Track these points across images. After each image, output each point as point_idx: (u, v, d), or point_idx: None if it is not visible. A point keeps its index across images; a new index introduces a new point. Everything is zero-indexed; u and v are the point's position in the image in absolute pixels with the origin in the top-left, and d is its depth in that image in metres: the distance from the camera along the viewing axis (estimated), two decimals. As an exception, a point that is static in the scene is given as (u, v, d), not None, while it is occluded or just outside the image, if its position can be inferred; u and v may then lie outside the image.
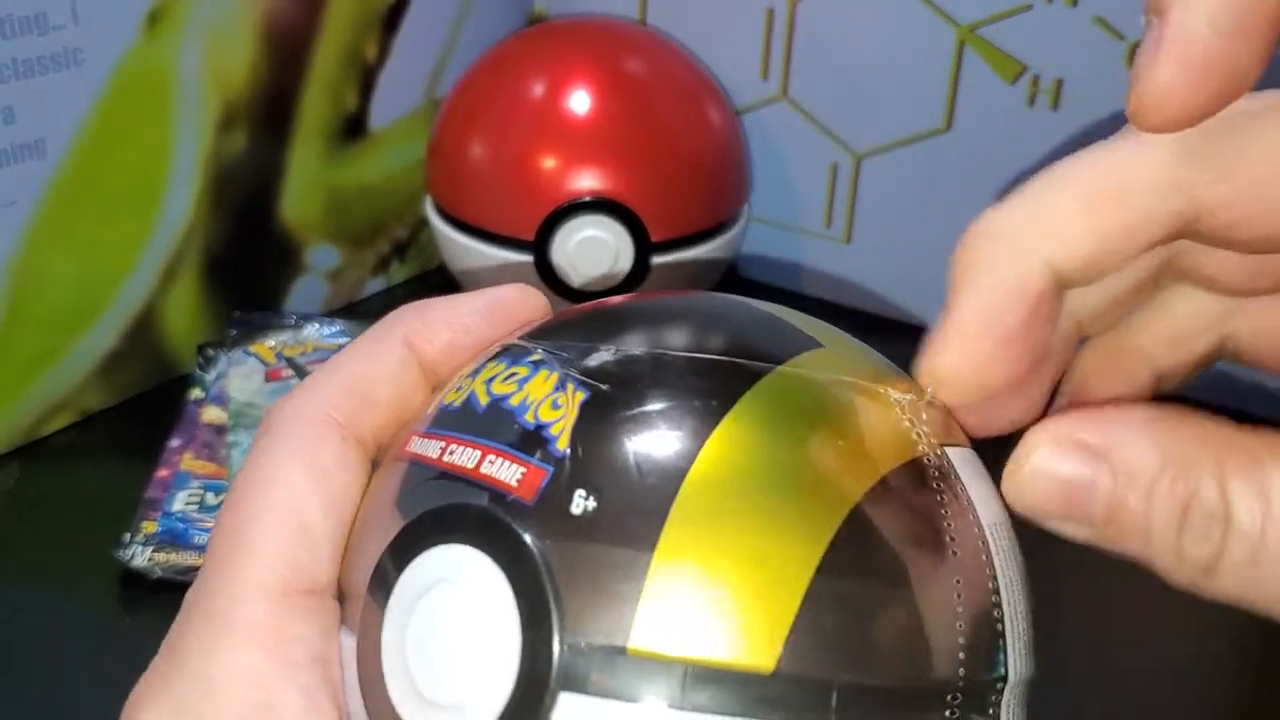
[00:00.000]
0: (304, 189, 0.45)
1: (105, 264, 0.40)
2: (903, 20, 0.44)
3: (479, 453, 0.16)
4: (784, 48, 0.47)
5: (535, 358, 0.17)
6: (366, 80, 0.46)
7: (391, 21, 0.46)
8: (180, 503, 0.35)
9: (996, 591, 0.17)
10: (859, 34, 0.45)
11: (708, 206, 0.45)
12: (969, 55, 0.44)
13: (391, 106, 0.47)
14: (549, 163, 0.43)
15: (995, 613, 0.17)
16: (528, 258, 0.43)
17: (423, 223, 0.49)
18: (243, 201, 0.43)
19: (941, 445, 0.17)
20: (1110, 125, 0.46)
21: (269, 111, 0.43)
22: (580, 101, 0.43)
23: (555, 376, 0.17)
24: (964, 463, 0.18)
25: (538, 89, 0.44)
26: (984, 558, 0.17)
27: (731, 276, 0.49)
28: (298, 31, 0.43)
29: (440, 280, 0.49)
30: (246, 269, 0.45)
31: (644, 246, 0.43)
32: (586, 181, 0.42)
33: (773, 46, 0.47)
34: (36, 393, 0.39)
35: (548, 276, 0.43)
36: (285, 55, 0.43)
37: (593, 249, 0.43)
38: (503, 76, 0.45)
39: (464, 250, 0.45)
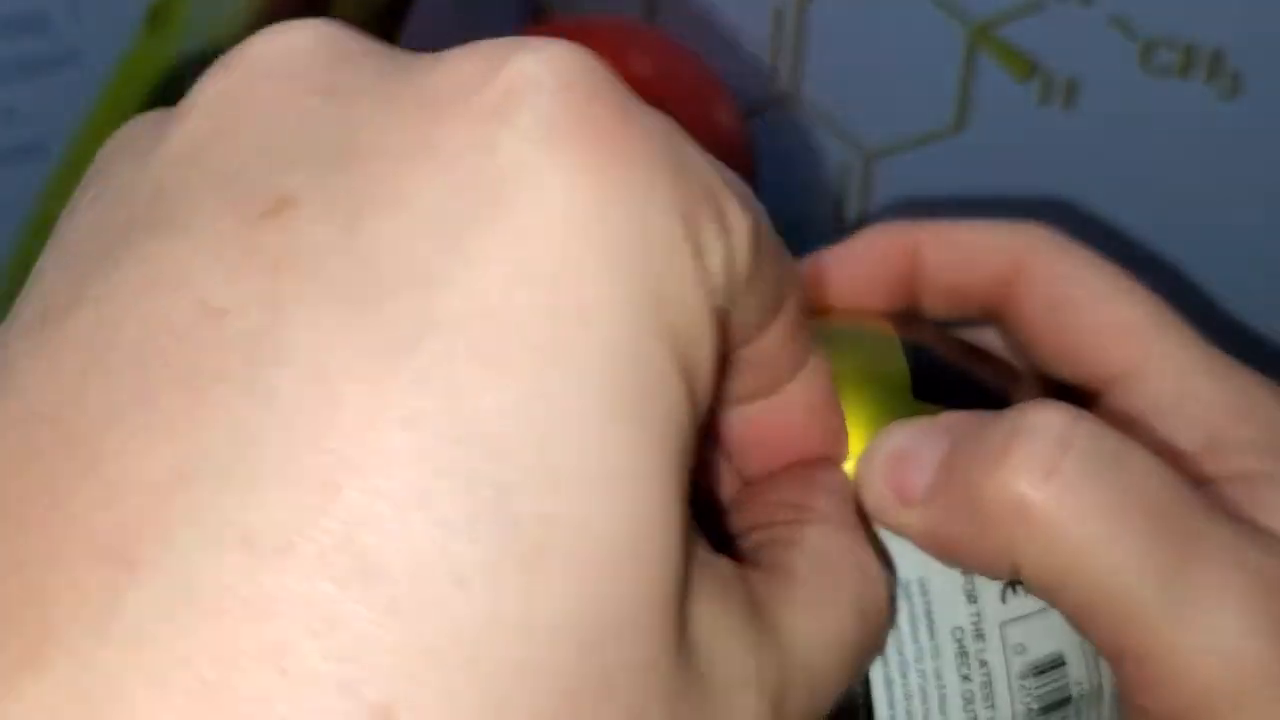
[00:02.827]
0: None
1: None
2: (913, 20, 0.44)
3: None
4: (793, 47, 0.47)
5: None
6: (370, 79, 0.46)
7: (394, 20, 0.46)
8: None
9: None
10: (869, 33, 0.45)
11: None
12: (981, 54, 0.43)
13: (395, 106, 0.47)
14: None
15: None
16: (533, 259, 0.43)
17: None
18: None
19: None
20: (1124, 125, 0.46)
21: (271, 111, 0.43)
22: (586, 101, 0.43)
23: None
24: None
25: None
26: None
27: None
28: (300, 30, 0.43)
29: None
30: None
31: (650, 248, 0.42)
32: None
33: (782, 46, 0.47)
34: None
35: (553, 278, 0.43)
36: (287, 54, 0.43)
37: (599, 251, 0.42)
38: (507, 76, 0.44)
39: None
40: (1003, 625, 0.18)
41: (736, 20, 0.47)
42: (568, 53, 0.13)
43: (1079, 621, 0.17)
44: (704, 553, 0.14)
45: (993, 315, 0.23)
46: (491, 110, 0.12)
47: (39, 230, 0.37)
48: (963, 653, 0.18)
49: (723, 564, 0.14)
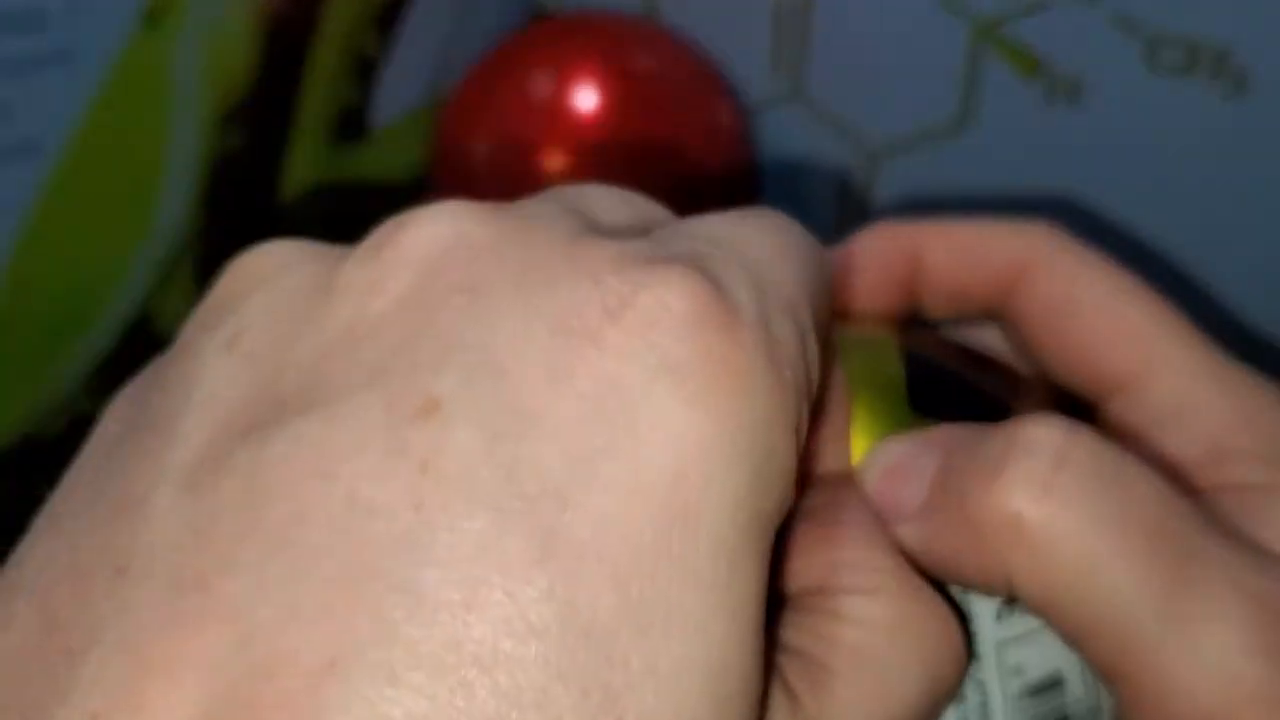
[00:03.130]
0: (304, 188, 0.45)
1: (100, 265, 0.40)
2: (918, 16, 0.44)
3: None
4: (796, 45, 0.47)
5: None
6: (367, 77, 0.46)
7: (393, 17, 0.46)
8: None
9: None
10: (873, 30, 0.45)
11: (718, 206, 0.44)
12: (985, 52, 0.43)
13: (393, 104, 0.47)
14: (555, 162, 0.42)
15: None
16: (533, 259, 0.42)
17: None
18: (241, 199, 0.43)
19: None
20: (1128, 123, 0.45)
21: (268, 109, 0.43)
22: (587, 99, 0.42)
23: None
24: None
25: (544, 86, 0.43)
26: None
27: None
28: (297, 27, 0.43)
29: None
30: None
31: (652, 247, 0.42)
32: (593, 181, 0.42)
33: (785, 43, 0.47)
34: (31, 397, 0.39)
35: (553, 278, 0.42)
36: (284, 52, 0.43)
37: (599, 250, 0.42)
38: (508, 73, 0.44)
39: (468, 251, 0.44)
40: (999, 646, 0.18)
41: (738, 16, 0.47)
42: (689, 282, 0.14)
43: (1075, 640, 0.17)
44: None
45: (996, 316, 0.23)
46: (622, 349, 0.14)
47: (34, 230, 0.37)
48: (976, 657, 0.17)
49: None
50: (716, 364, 0.14)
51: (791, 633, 0.16)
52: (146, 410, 0.15)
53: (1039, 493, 0.16)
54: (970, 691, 0.17)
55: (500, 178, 0.43)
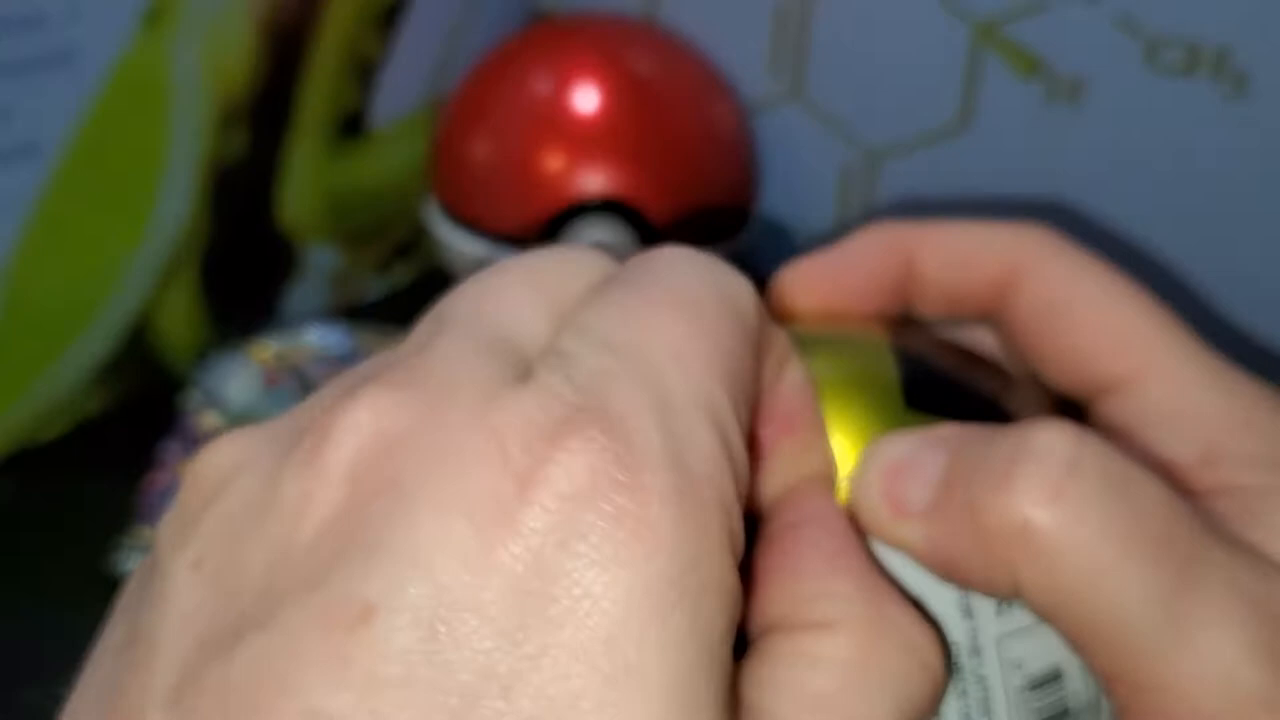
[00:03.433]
0: (303, 189, 0.45)
1: (100, 266, 0.40)
2: (918, 17, 0.44)
3: None
4: (795, 45, 0.47)
5: None
6: (367, 78, 0.46)
7: (393, 18, 0.46)
8: (177, 512, 0.35)
9: None
10: (873, 31, 0.45)
11: (717, 207, 0.44)
12: (986, 52, 0.43)
13: (393, 105, 0.47)
14: (555, 163, 0.42)
15: None
16: (533, 260, 0.42)
17: (425, 223, 0.49)
18: (241, 202, 0.43)
19: None
20: (1129, 123, 0.45)
21: (268, 110, 0.43)
22: (587, 100, 0.42)
23: None
24: None
25: (543, 87, 0.43)
26: None
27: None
28: (297, 29, 0.43)
29: (443, 283, 0.49)
30: (245, 271, 0.44)
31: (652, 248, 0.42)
32: (593, 182, 0.42)
33: (784, 44, 0.47)
34: (31, 399, 0.39)
35: (553, 279, 0.42)
36: (284, 53, 0.43)
37: (599, 251, 0.42)
38: (508, 74, 0.44)
39: (468, 252, 0.44)
40: (999, 640, 0.17)
41: (738, 18, 0.47)
42: (590, 451, 0.15)
43: (1076, 643, 0.17)
44: None
45: (988, 318, 0.22)
46: (536, 528, 0.14)
47: (35, 230, 0.37)
48: (958, 669, 0.17)
49: None
50: (628, 525, 0.14)
51: (755, 691, 0.16)
52: (137, 624, 0.16)
53: (1050, 499, 0.16)
54: (972, 687, 0.17)
55: (499, 178, 0.43)
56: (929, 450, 0.18)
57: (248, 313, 0.44)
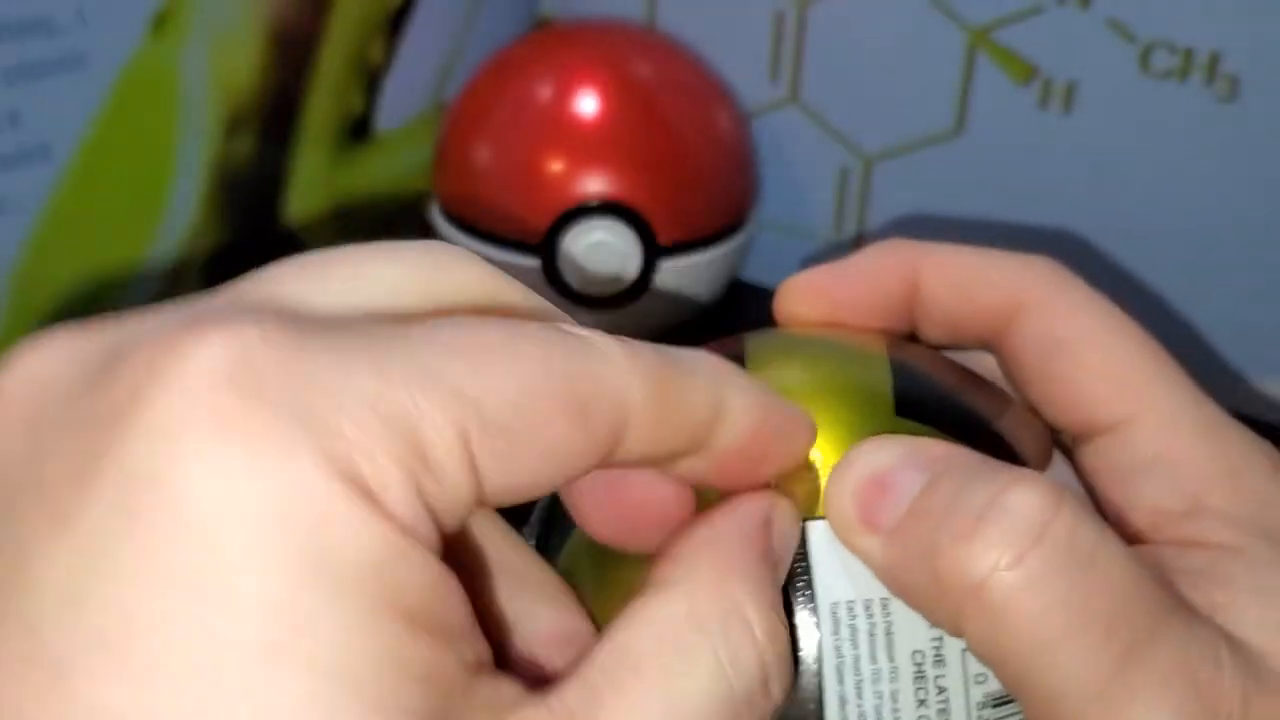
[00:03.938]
0: (310, 192, 0.45)
1: (109, 268, 0.40)
2: (913, 23, 0.44)
3: None
4: (793, 51, 0.47)
5: None
6: (372, 83, 0.46)
7: (397, 24, 0.46)
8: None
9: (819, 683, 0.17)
10: (869, 37, 0.45)
11: (717, 210, 0.45)
12: (980, 58, 0.43)
13: (398, 110, 0.47)
14: (556, 166, 0.42)
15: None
16: (535, 262, 0.43)
17: (429, 226, 0.49)
18: (248, 205, 0.43)
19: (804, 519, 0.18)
20: (1123, 128, 0.45)
21: (274, 115, 0.43)
22: (588, 105, 0.43)
23: None
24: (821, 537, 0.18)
25: (545, 92, 0.43)
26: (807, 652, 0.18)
27: (740, 281, 0.49)
28: (303, 34, 0.43)
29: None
30: (251, 272, 0.44)
31: (652, 251, 0.43)
32: (594, 185, 0.42)
33: (782, 50, 0.47)
34: (40, 398, 0.39)
35: (555, 280, 0.43)
36: (291, 58, 0.43)
37: (601, 253, 0.42)
38: (510, 79, 0.44)
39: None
40: (964, 652, 0.17)
41: (737, 25, 0.47)
42: (194, 345, 0.14)
43: (1015, 694, 0.17)
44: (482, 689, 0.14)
45: (989, 348, 0.22)
46: (130, 422, 0.13)
47: (44, 233, 0.37)
48: (921, 676, 0.17)
49: (502, 691, 0.15)
50: (227, 425, 0.14)
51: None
52: None
53: (1009, 564, 0.16)
54: (932, 696, 0.17)
55: (502, 181, 0.43)
56: (910, 469, 0.17)
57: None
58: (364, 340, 0.14)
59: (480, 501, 0.15)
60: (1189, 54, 0.40)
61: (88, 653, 0.13)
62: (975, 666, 0.18)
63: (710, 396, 0.17)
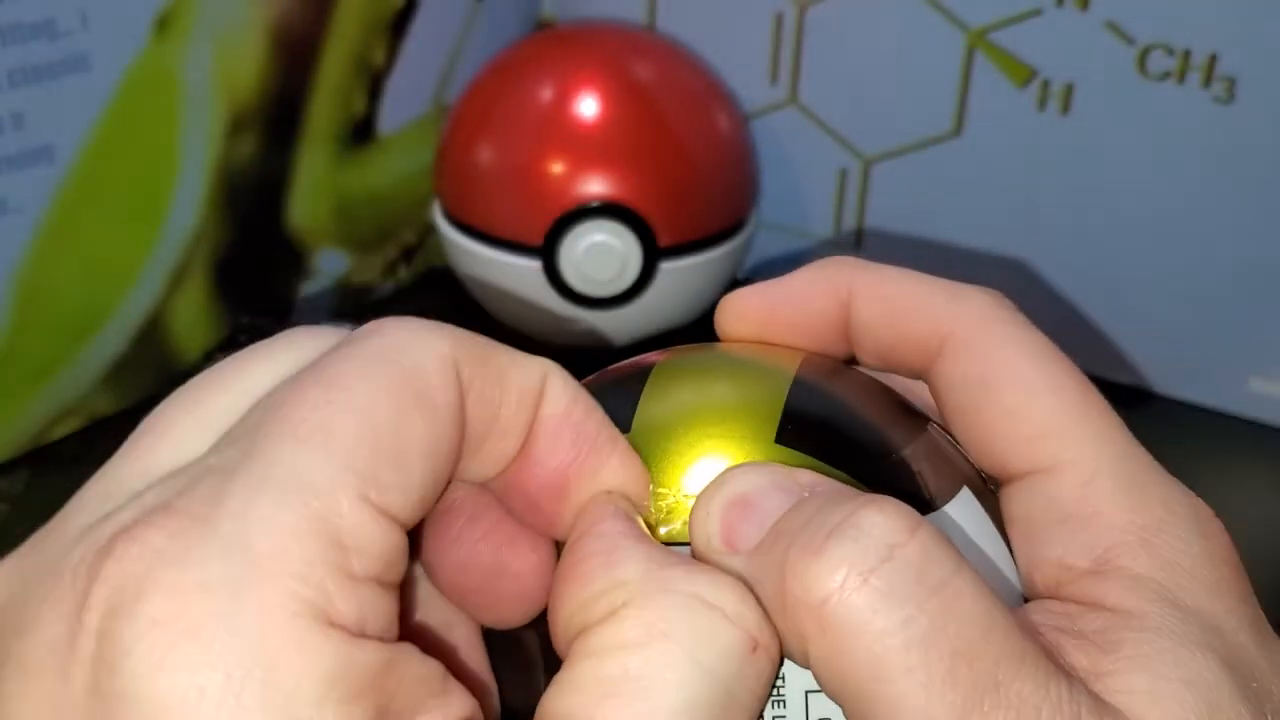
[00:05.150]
0: (312, 194, 0.45)
1: (113, 269, 0.40)
2: (912, 25, 0.44)
3: None
4: (793, 53, 0.47)
5: None
6: (375, 85, 0.46)
7: (400, 27, 0.46)
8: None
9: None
10: (868, 39, 0.45)
11: (716, 212, 0.45)
12: (979, 60, 0.43)
13: (400, 112, 0.47)
14: (557, 168, 0.43)
15: None
16: (536, 263, 0.43)
17: (431, 227, 0.49)
18: (251, 206, 0.43)
19: None
20: (1121, 130, 0.45)
21: (277, 117, 0.43)
22: (588, 107, 0.43)
23: None
24: None
25: (546, 94, 0.44)
26: None
27: (740, 281, 0.49)
28: (306, 37, 0.43)
29: (448, 285, 0.49)
30: (254, 274, 0.44)
31: (652, 252, 0.43)
32: (595, 187, 0.42)
33: (782, 52, 0.47)
34: (44, 398, 0.39)
35: (555, 282, 0.43)
36: (293, 60, 0.43)
37: (601, 254, 0.43)
38: (511, 82, 0.45)
39: (472, 255, 0.45)
40: (808, 693, 0.17)
41: (736, 26, 0.48)
42: (117, 574, 0.15)
43: None
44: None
45: (920, 378, 0.21)
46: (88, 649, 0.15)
47: (49, 234, 0.37)
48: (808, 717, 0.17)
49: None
50: (176, 629, 0.15)
51: (559, 700, 0.16)
52: None
53: (854, 584, 0.15)
54: None
55: (503, 183, 0.44)
56: (777, 492, 0.17)
57: (257, 314, 0.44)
58: (234, 478, 0.15)
59: (404, 526, 0.16)
60: (1187, 55, 0.40)
61: None
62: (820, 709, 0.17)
63: (533, 364, 0.18)
